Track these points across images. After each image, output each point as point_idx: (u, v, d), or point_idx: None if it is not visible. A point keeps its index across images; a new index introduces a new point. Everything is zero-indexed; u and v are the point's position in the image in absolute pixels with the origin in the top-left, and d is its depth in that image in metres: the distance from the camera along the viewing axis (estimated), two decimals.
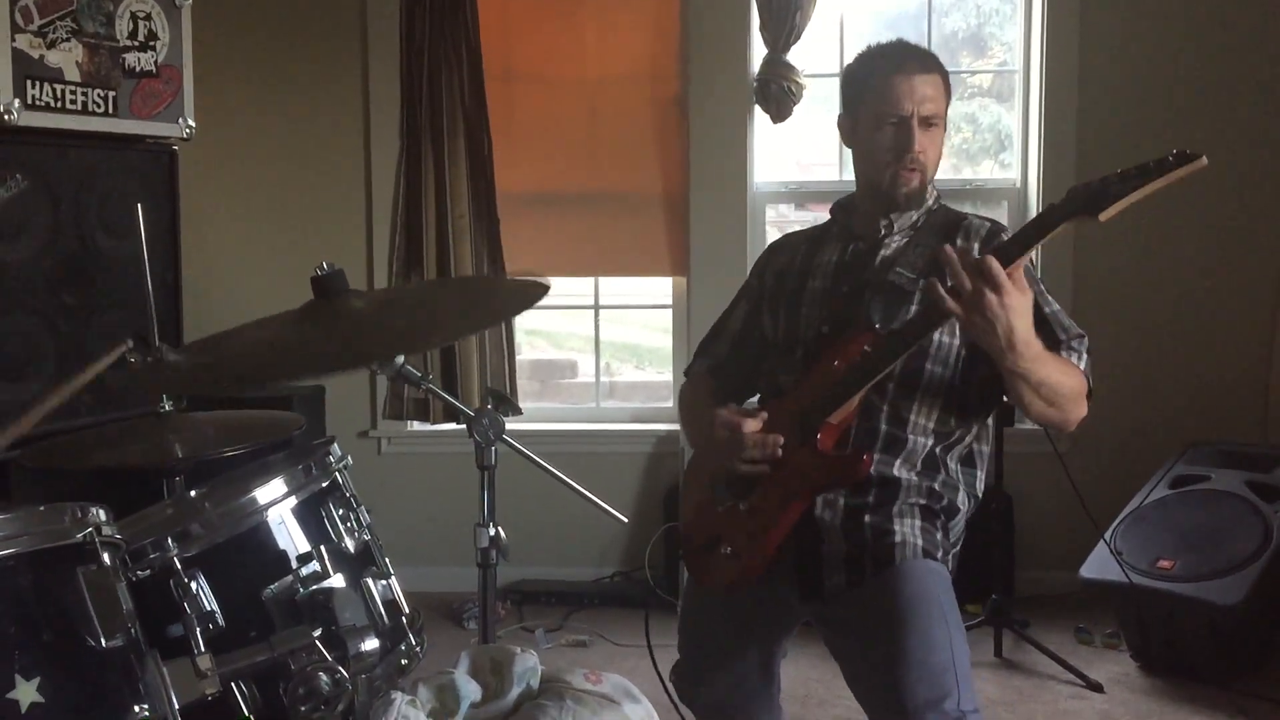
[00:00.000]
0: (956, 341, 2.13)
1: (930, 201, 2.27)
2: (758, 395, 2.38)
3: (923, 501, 2.12)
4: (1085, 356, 2.09)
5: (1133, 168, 1.89)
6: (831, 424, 2.09)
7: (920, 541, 2.07)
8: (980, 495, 2.24)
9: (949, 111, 2.25)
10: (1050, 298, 2.15)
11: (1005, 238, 2.15)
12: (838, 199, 2.40)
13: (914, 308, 2.12)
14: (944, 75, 2.21)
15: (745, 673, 2.32)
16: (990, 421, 2.28)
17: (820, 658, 3.62)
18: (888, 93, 2.16)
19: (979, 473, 2.23)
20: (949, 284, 1.87)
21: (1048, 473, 3.69)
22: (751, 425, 2.12)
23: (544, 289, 1.93)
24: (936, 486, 2.13)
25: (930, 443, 2.14)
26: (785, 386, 2.23)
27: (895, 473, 2.11)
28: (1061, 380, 1.97)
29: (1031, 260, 2.14)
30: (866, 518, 2.09)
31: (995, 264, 1.83)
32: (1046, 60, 4.22)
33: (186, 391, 2.29)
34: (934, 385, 2.13)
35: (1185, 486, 3.73)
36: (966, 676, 1.95)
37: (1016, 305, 1.84)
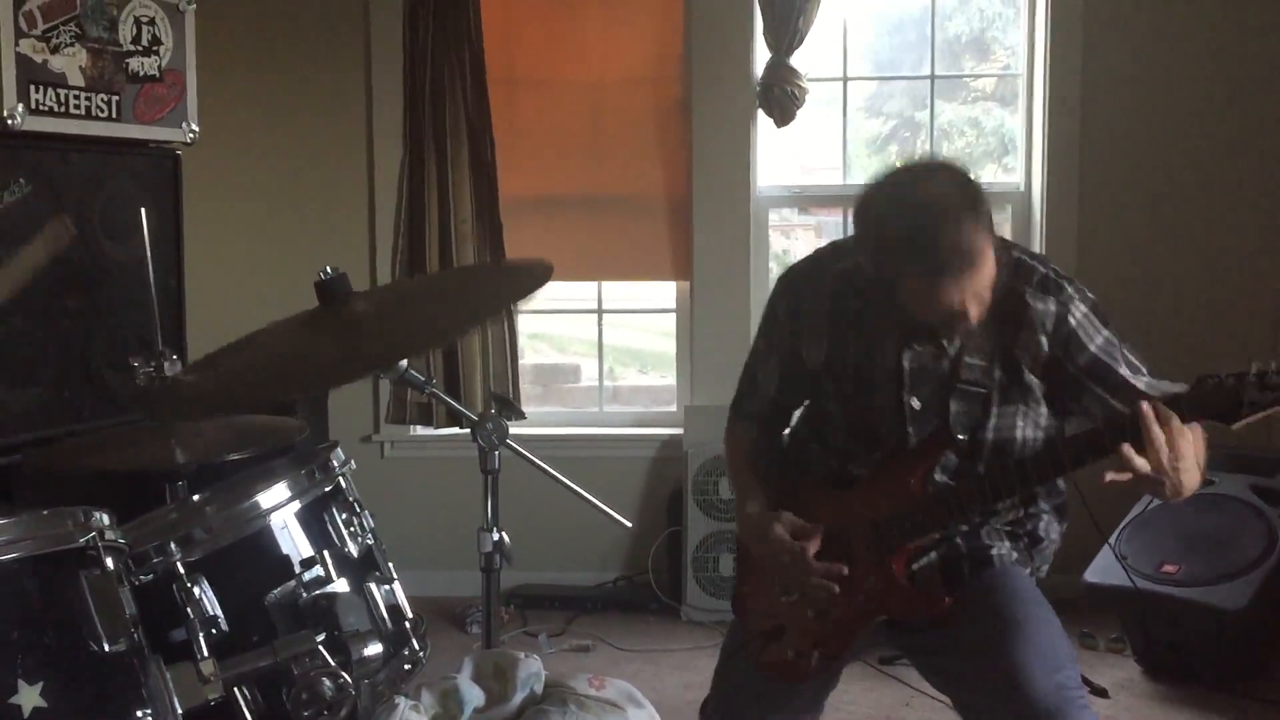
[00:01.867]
0: (1031, 433, 2.05)
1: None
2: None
3: (1009, 528, 2.12)
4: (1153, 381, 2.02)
5: (1271, 374, 1.78)
6: (908, 547, 2.03)
7: (1015, 555, 2.09)
8: (1064, 502, 2.19)
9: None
10: (1131, 356, 2.03)
11: (1074, 319, 1.98)
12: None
13: (993, 409, 2.01)
14: (987, 224, 1.85)
15: (793, 714, 2.23)
16: None
17: None
18: (933, 298, 1.87)
19: (1060, 484, 2.17)
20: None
21: None
22: (814, 548, 2.05)
23: (548, 268, 1.92)
24: (1021, 516, 2.13)
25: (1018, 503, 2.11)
26: (857, 477, 2.12)
27: (985, 540, 2.10)
28: (1199, 474, 1.89)
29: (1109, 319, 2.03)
30: (960, 540, 2.07)
31: (1187, 435, 1.78)
32: (1050, 64, 4.21)
33: (199, 416, 2.28)
34: (1026, 451, 2.05)
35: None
36: (1074, 657, 1.97)
37: (1191, 465, 1.80)
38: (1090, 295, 2.03)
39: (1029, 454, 2.03)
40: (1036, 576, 2.15)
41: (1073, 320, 1.99)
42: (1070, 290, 2.01)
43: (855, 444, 2.13)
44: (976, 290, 1.87)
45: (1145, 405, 1.80)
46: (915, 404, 2.05)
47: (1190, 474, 1.82)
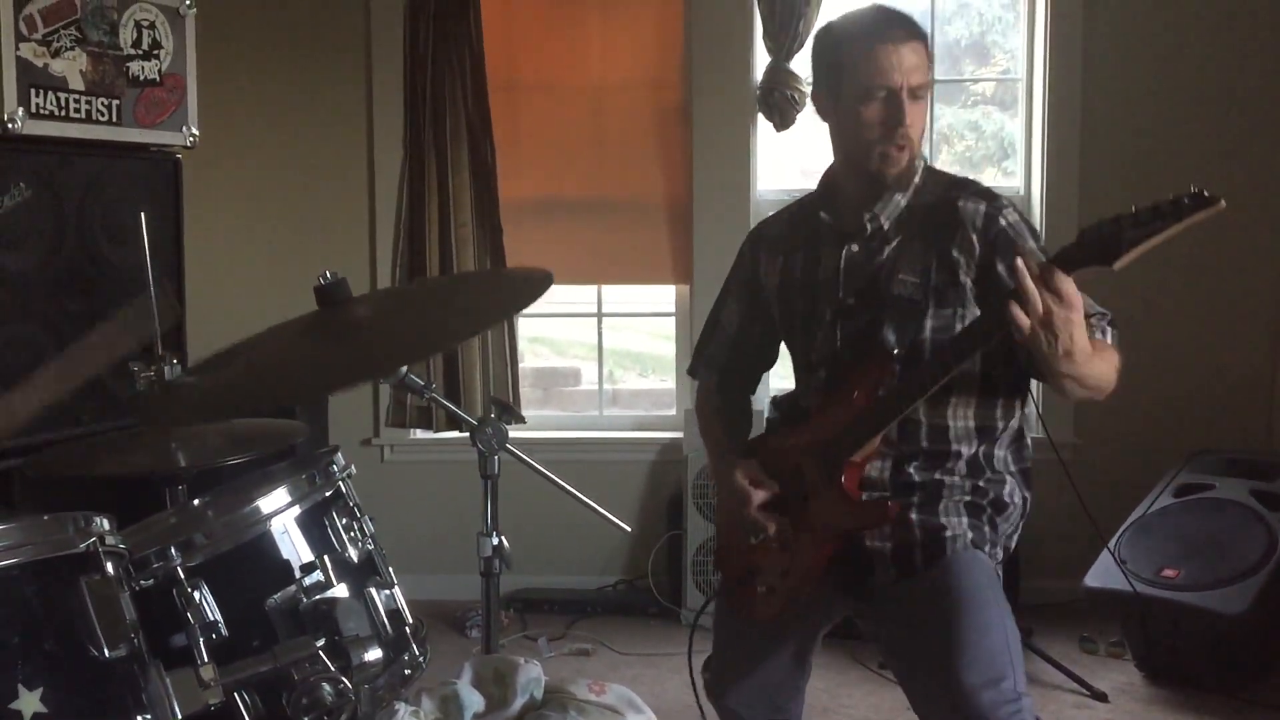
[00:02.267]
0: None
1: (917, 178, 2.16)
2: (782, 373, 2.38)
3: (968, 498, 2.12)
4: (1112, 331, 2.07)
5: (1145, 208, 1.80)
6: (855, 462, 2.09)
7: (970, 534, 2.09)
8: (1030, 467, 2.22)
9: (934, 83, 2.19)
10: None
11: (1005, 220, 2.08)
12: (827, 169, 2.28)
13: (928, 321, 2.09)
14: (926, 41, 2.11)
15: (778, 671, 2.31)
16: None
17: (824, 667, 3.62)
18: (873, 65, 2.04)
19: (1027, 450, 2.21)
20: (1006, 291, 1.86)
21: (1052, 480, 3.68)
22: (758, 499, 2.15)
23: (548, 277, 1.93)
24: (982, 484, 2.13)
25: (975, 445, 2.13)
26: (810, 410, 2.23)
27: (939, 476, 2.11)
28: (1105, 371, 1.96)
29: (1037, 234, 2.13)
30: (914, 515, 2.10)
31: (1069, 282, 1.80)
32: (1049, 68, 4.22)
33: (199, 420, 2.28)
34: (965, 385, 2.10)
35: (1190, 495, 3.72)
36: (1019, 660, 1.97)
37: (1077, 318, 1.82)
38: (1026, 217, 2.14)
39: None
40: (1005, 549, 2.16)
41: (1003, 221, 2.08)
42: (1004, 200, 2.12)
43: (802, 363, 2.25)
44: (919, 109, 2.05)
45: (1019, 261, 1.84)
46: (850, 301, 2.16)
47: (1080, 329, 1.84)
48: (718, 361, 2.44)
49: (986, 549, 2.10)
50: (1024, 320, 1.81)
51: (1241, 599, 3.31)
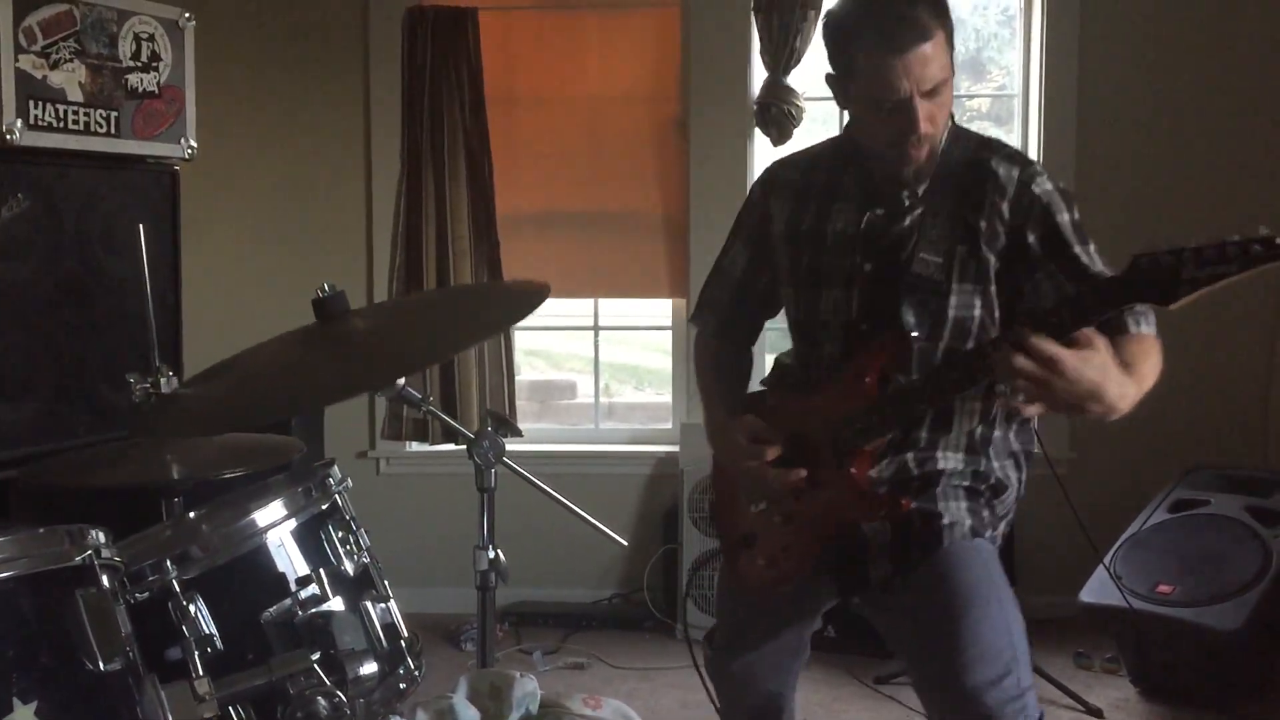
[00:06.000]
0: (982, 313, 2.02)
1: (942, 142, 2.01)
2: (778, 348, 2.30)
3: (967, 483, 2.07)
4: (1151, 319, 1.96)
5: (1209, 247, 1.66)
6: (866, 451, 2.03)
7: (969, 520, 2.03)
8: (1032, 450, 2.16)
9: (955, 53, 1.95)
10: (1096, 257, 1.97)
11: (1038, 188, 1.97)
12: (851, 125, 2.14)
13: (951, 299, 1.99)
14: (945, 25, 1.90)
15: (777, 649, 2.29)
16: None
17: (821, 681, 3.62)
18: (878, 78, 1.89)
19: (1029, 431, 2.15)
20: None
21: (1047, 496, 3.69)
22: (773, 454, 2.06)
23: (545, 289, 1.93)
24: (981, 468, 2.08)
25: (976, 421, 2.07)
26: (815, 379, 2.13)
27: (939, 464, 2.06)
28: (1146, 377, 1.83)
29: (1072, 202, 1.99)
30: (912, 502, 2.04)
31: (1047, 350, 1.68)
32: (1045, 84, 4.23)
33: (195, 432, 2.28)
34: (983, 332, 2.01)
35: (1185, 511, 3.73)
36: (1025, 655, 1.94)
37: (1090, 370, 1.69)
38: (1061, 183, 2.02)
39: (973, 347, 2.00)
40: (1006, 527, 2.12)
41: (1036, 189, 1.98)
42: (1038, 167, 2.02)
43: (810, 329, 2.13)
44: (929, 79, 1.88)
45: (1006, 337, 1.74)
46: (867, 267, 2.05)
47: (1098, 369, 1.71)
48: (720, 306, 2.32)
49: (986, 534, 2.05)
50: (1030, 411, 1.76)
51: (1236, 615, 3.31)
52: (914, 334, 2.00)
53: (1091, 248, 1.99)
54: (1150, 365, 1.88)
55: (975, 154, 2.02)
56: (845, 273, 2.07)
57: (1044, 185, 2.00)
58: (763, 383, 2.32)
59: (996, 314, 2.04)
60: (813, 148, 2.25)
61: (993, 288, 2.02)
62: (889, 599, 2.07)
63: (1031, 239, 1.97)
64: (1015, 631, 1.95)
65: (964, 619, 1.93)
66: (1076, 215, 2.00)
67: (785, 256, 2.18)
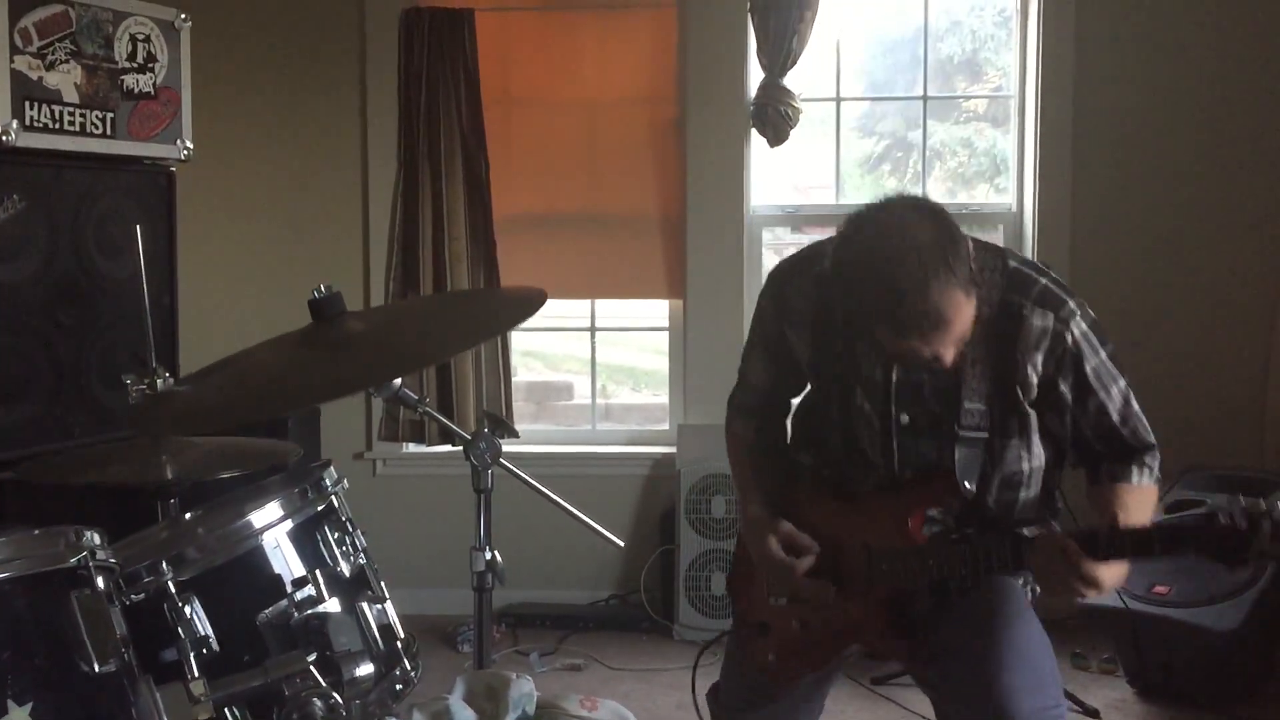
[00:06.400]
0: (1029, 465, 2.06)
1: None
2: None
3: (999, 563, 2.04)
4: (1155, 471, 2.04)
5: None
6: (900, 590, 2.05)
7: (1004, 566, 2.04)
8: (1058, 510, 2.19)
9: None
10: (1129, 398, 2.02)
11: (1071, 336, 1.95)
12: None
13: (1000, 455, 2.02)
14: (963, 283, 1.80)
15: (792, 708, 2.27)
16: None
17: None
18: (901, 349, 1.88)
19: (1055, 499, 2.16)
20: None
21: None
22: (805, 566, 2.07)
23: (542, 296, 1.93)
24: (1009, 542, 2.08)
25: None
26: (857, 493, 2.12)
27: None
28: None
29: (1105, 338, 2.00)
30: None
31: (1092, 573, 1.83)
32: (1042, 85, 4.23)
33: (191, 432, 2.28)
34: (1031, 484, 2.09)
35: (1181, 511, 3.72)
36: (1058, 678, 2.00)
37: (1115, 580, 1.88)
38: (1090, 313, 2.00)
39: (1023, 519, 2.06)
40: (1030, 588, 2.13)
41: (1069, 339, 1.95)
42: (1071, 305, 1.97)
43: (847, 454, 2.12)
44: (951, 341, 1.85)
45: (1054, 550, 1.85)
46: (904, 419, 2.04)
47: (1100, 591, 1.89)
48: (752, 410, 2.31)
49: (1021, 581, 2.08)
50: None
51: (1233, 616, 3.31)
52: (965, 484, 2.00)
53: (1117, 387, 2.00)
54: (1146, 518, 1.97)
55: (1005, 295, 1.97)
56: (880, 420, 2.06)
57: (1076, 331, 1.97)
58: (780, 456, 2.28)
59: (1043, 459, 2.06)
60: (814, 258, 2.12)
61: (1034, 436, 2.04)
62: (924, 641, 2.06)
63: (1064, 388, 1.99)
64: (1051, 659, 1.99)
65: (1005, 632, 1.95)
66: (1105, 353, 2.00)
67: (813, 380, 2.19)
